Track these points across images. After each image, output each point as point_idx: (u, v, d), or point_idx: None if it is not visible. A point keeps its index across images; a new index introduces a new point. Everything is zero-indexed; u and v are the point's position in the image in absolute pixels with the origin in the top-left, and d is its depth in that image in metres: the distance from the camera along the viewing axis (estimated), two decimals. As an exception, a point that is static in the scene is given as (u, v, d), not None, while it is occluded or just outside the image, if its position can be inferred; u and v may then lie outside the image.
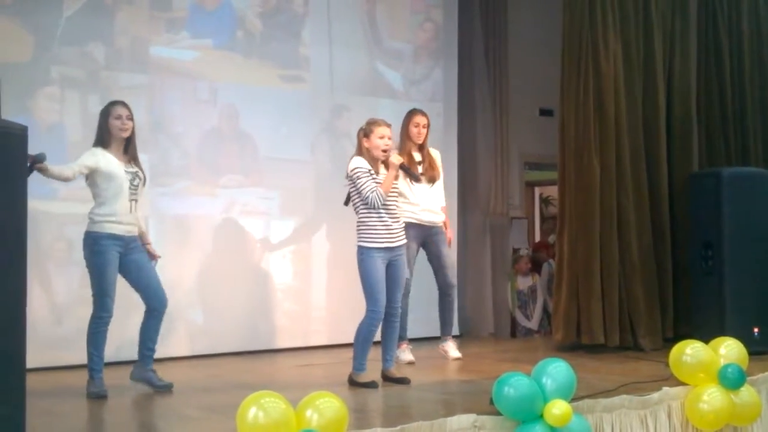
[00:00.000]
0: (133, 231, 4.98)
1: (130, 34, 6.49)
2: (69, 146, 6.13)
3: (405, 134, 5.95)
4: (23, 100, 6.00)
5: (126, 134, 4.94)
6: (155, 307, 5.02)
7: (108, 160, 4.87)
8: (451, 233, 6.33)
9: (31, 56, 6.08)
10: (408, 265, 5.47)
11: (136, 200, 4.96)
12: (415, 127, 5.96)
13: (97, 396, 4.77)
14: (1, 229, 3.49)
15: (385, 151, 5.00)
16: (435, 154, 6.13)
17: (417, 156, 5.98)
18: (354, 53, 7.57)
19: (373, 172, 5.00)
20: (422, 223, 5.98)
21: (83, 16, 6.29)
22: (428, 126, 6.05)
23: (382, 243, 4.99)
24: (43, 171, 4.54)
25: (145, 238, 5.17)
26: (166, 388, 5.01)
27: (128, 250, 4.94)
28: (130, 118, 4.96)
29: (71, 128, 6.19)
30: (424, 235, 6.02)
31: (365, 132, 5.06)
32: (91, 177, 4.86)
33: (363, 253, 4.99)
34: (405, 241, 5.19)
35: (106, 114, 4.94)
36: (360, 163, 5.00)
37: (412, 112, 6.06)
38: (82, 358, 4.96)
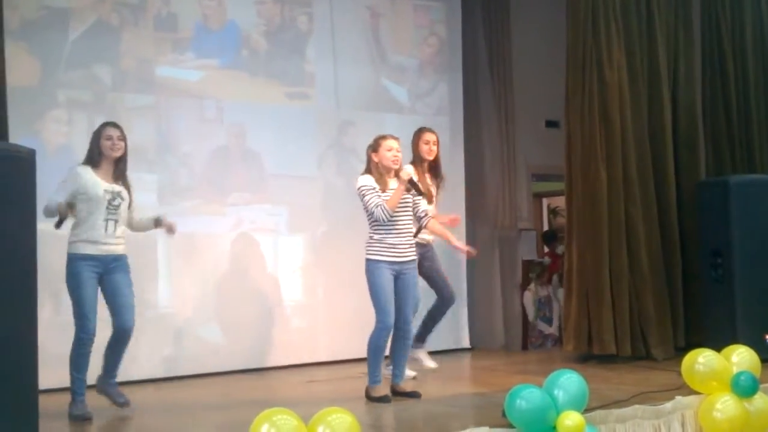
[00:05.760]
0: (114, 251, 4.91)
1: (135, 56, 6.54)
2: (77, 168, 6.16)
3: (416, 152, 5.92)
4: (31, 123, 6.04)
5: (117, 154, 4.96)
6: (117, 332, 4.93)
7: (89, 181, 4.87)
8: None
9: (38, 80, 6.13)
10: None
11: (116, 220, 4.91)
12: (426, 144, 5.92)
13: (81, 418, 4.73)
14: (14, 250, 3.52)
15: (394, 161, 5.07)
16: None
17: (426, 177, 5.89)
18: (359, 69, 7.60)
19: (378, 189, 5.05)
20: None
21: (89, 39, 6.33)
22: (438, 143, 6.03)
23: (387, 257, 5.05)
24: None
25: (160, 221, 5.17)
26: (123, 405, 4.96)
27: (108, 270, 4.89)
28: (122, 138, 4.99)
29: (79, 150, 6.12)
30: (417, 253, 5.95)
31: (373, 147, 5.17)
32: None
33: (370, 266, 5.08)
34: (415, 257, 5.22)
35: (97, 135, 4.99)
36: (366, 180, 5.10)
37: (421, 130, 5.98)
38: (92, 378, 4.97)
